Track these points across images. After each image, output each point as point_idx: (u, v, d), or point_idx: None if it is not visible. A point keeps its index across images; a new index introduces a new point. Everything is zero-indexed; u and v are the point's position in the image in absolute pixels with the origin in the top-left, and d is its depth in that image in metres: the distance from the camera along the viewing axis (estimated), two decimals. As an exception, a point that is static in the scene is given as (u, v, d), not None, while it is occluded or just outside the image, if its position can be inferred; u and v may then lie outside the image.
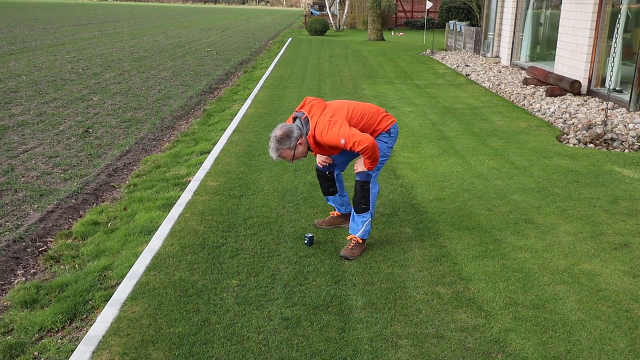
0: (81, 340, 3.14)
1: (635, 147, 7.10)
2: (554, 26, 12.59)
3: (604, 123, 7.67)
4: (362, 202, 4.02)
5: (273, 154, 3.83)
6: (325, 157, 4.24)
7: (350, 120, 3.86)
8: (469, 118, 8.86)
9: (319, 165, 4.31)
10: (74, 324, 3.47)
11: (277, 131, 3.80)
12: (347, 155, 4.26)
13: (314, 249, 4.20)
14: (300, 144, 3.84)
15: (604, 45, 10.38)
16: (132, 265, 3.95)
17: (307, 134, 3.85)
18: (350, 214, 4.49)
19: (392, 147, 4.15)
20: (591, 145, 7.25)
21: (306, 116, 3.87)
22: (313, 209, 4.97)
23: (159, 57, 18.35)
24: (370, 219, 4.09)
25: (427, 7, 23.70)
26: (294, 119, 3.95)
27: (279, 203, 5.12)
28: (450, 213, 4.90)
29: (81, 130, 8.31)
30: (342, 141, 3.73)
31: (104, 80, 13.13)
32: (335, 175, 4.37)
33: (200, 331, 3.17)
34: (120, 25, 34.96)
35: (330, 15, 36.00)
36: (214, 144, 7.30)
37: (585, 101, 9.88)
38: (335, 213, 4.61)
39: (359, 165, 3.99)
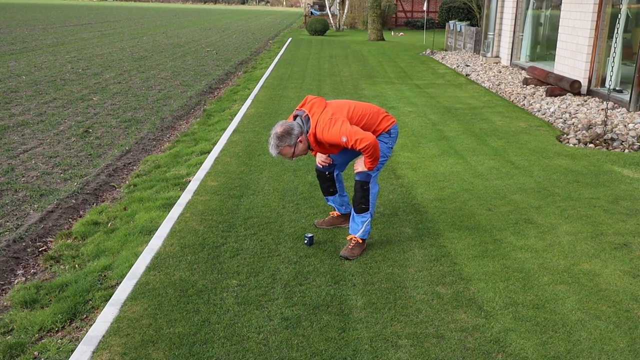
0: (81, 340, 3.14)
1: (635, 147, 7.10)
2: (554, 26, 12.59)
3: (604, 123, 7.67)
4: (361, 202, 4.02)
5: (273, 150, 3.82)
6: (325, 157, 4.23)
7: (351, 120, 3.86)
8: (469, 118, 8.86)
9: (319, 165, 4.31)
10: (74, 324, 3.47)
11: (278, 128, 3.79)
12: (347, 155, 4.26)
13: (314, 249, 4.20)
14: (300, 141, 3.83)
15: (604, 45, 10.38)
16: (132, 265, 3.95)
17: (307, 132, 3.85)
18: (350, 214, 4.48)
19: (392, 148, 4.15)
20: (591, 145, 7.25)
21: (307, 114, 3.86)
22: (313, 209, 4.97)
23: (159, 57, 18.35)
24: (370, 219, 4.08)
25: (424, 9, 23.74)
26: (295, 117, 3.95)
27: (279, 203, 5.12)
28: (450, 213, 4.90)
29: (81, 130, 8.31)
30: (344, 139, 3.72)
31: (104, 80, 13.13)
32: (335, 176, 4.36)
33: (200, 331, 3.17)
34: (120, 25, 34.96)
35: (330, 15, 35.99)
36: (214, 144, 7.30)
37: (585, 101, 9.88)
38: (335, 213, 4.61)
39: (359, 165, 3.98)
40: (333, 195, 4.45)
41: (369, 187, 4.00)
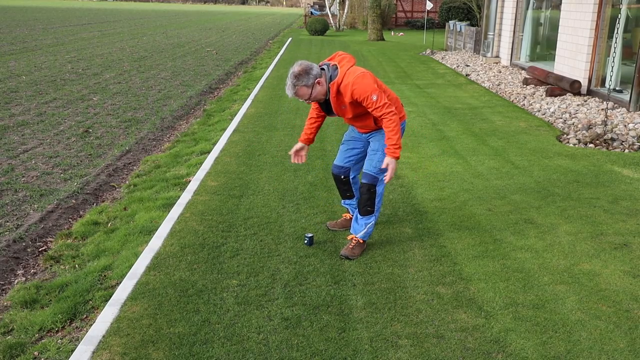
0: (81, 340, 3.14)
1: (635, 147, 7.10)
2: (554, 26, 12.59)
3: (604, 123, 7.68)
4: (367, 205, 3.99)
5: (289, 91, 3.67)
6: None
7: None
8: (469, 118, 8.86)
9: (335, 168, 4.27)
10: (74, 324, 3.47)
11: (296, 67, 3.66)
12: (359, 147, 4.18)
13: (314, 249, 4.20)
14: (318, 83, 3.68)
15: (604, 45, 10.38)
16: (132, 265, 3.95)
17: (332, 80, 3.71)
18: None
19: None
20: (591, 145, 7.25)
21: (335, 64, 3.76)
22: (313, 209, 4.97)
23: (159, 57, 18.35)
24: (374, 221, 4.06)
25: (428, 8, 23.72)
26: (322, 68, 3.81)
27: (279, 203, 5.12)
28: (450, 213, 4.90)
29: (81, 130, 8.31)
30: (374, 97, 3.61)
31: (104, 80, 13.13)
32: (351, 179, 4.32)
33: (200, 331, 3.17)
34: (120, 25, 34.96)
35: (330, 15, 36.00)
36: (214, 144, 7.30)
37: (585, 101, 9.88)
38: (348, 215, 4.58)
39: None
40: (350, 199, 4.40)
41: (375, 190, 3.98)
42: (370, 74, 3.79)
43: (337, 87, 3.72)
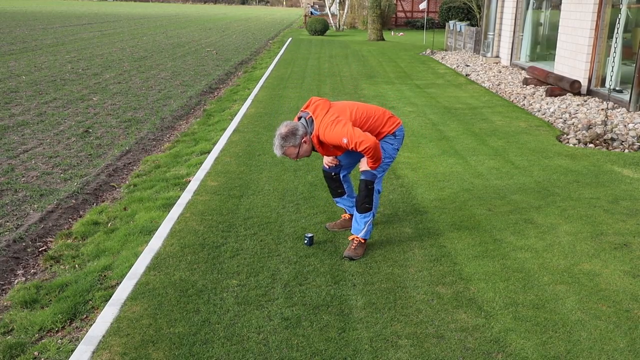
0: (81, 340, 3.14)
1: (635, 147, 7.10)
2: (554, 26, 12.59)
3: (604, 123, 7.68)
4: (365, 202, 4.02)
5: (277, 151, 3.84)
6: (331, 158, 4.23)
7: (355, 122, 3.86)
8: (469, 118, 8.86)
9: (325, 166, 4.30)
10: (74, 324, 3.47)
11: (282, 129, 3.82)
12: (352, 156, 4.24)
13: (314, 249, 4.20)
14: (304, 142, 3.84)
15: (604, 45, 10.38)
16: (132, 265, 3.95)
17: (311, 133, 3.86)
18: None
19: (398, 149, 4.15)
20: (591, 145, 7.25)
21: (311, 116, 3.87)
22: (313, 209, 4.97)
23: (159, 57, 18.35)
24: (372, 218, 4.09)
25: (421, 8, 23.74)
26: (299, 118, 3.95)
27: (279, 203, 5.12)
28: (450, 213, 4.90)
29: (81, 130, 8.31)
30: (345, 140, 3.73)
31: (104, 80, 13.13)
32: (342, 177, 4.35)
33: (200, 331, 3.17)
34: (120, 25, 34.96)
35: (330, 15, 36.00)
36: (214, 144, 7.30)
37: (585, 101, 9.88)
38: (347, 215, 4.59)
39: (363, 164, 3.99)
40: (341, 196, 4.44)
41: (373, 187, 4.01)
42: (342, 113, 3.86)
43: (317, 138, 3.86)
